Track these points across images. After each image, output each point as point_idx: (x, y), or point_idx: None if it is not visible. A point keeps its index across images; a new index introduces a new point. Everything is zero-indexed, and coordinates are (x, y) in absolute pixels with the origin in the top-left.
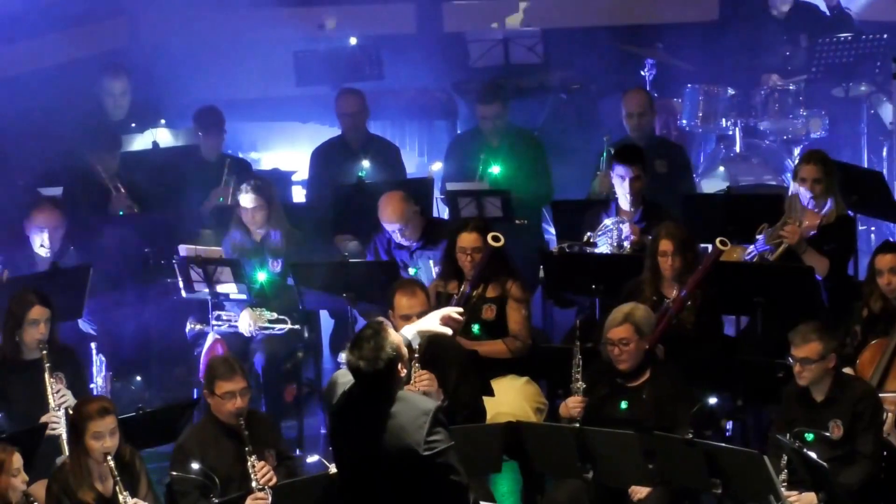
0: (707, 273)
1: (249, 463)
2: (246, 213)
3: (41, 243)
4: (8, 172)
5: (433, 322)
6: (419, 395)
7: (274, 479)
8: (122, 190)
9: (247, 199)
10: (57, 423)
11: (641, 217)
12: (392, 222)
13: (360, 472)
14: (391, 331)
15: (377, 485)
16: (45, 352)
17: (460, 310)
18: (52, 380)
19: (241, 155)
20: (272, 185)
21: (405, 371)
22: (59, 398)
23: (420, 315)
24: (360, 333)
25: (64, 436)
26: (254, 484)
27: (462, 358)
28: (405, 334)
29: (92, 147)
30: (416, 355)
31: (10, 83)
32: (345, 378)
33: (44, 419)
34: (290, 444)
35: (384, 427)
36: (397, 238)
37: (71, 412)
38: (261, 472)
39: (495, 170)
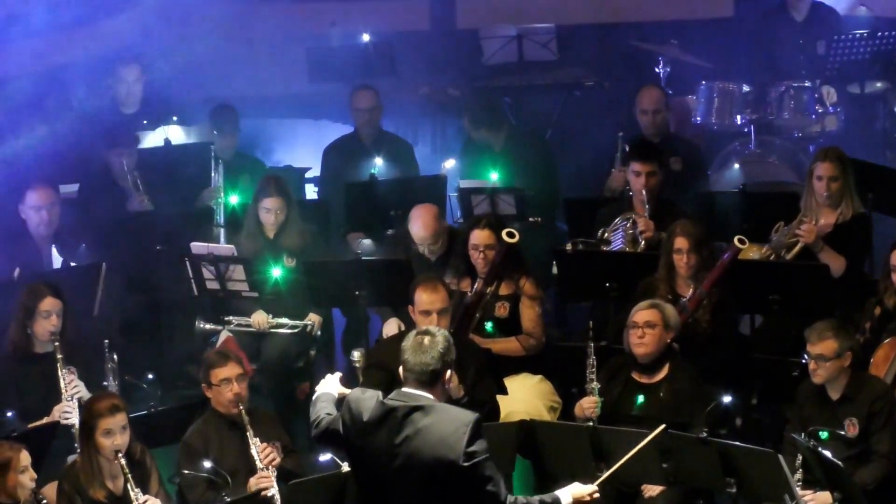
0: (724, 272)
1: (252, 444)
2: (268, 214)
3: (38, 223)
4: (23, 170)
5: (336, 385)
6: (456, 406)
7: (278, 459)
8: (140, 188)
9: (270, 202)
10: (69, 413)
11: (656, 214)
12: (421, 236)
13: (392, 484)
14: (447, 333)
15: (409, 497)
16: (57, 343)
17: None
18: (64, 371)
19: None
20: (286, 182)
21: (452, 382)
22: (71, 389)
23: (441, 311)
24: (420, 328)
25: (77, 426)
26: (258, 464)
27: (479, 357)
28: (330, 391)
29: (109, 145)
30: None
31: (24, 80)
32: (366, 394)
33: (56, 409)
34: (303, 443)
35: (423, 437)
36: (422, 250)
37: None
38: (263, 452)
39: (493, 176)
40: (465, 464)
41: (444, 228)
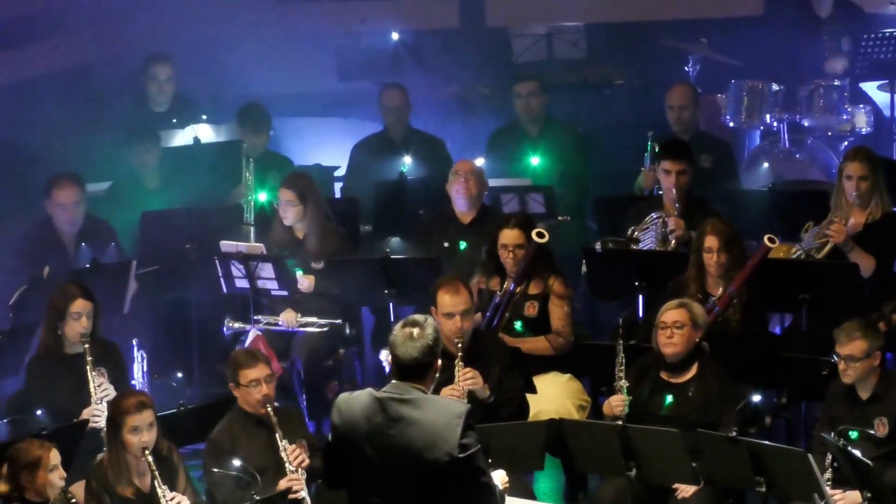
0: (754, 270)
1: (281, 446)
2: (280, 208)
3: (64, 221)
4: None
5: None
6: (447, 398)
7: (307, 461)
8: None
9: (280, 194)
10: (99, 416)
11: (686, 212)
12: (467, 169)
13: (384, 477)
14: (435, 323)
15: (402, 489)
16: (87, 345)
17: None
18: (94, 373)
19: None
20: (310, 180)
21: (437, 374)
22: (101, 392)
23: (463, 313)
24: (407, 320)
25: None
26: (287, 466)
27: (505, 355)
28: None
29: (132, 143)
30: (460, 354)
31: (50, 80)
32: (355, 393)
33: (85, 412)
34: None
35: (416, 429)
36: (459, 193)
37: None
38: (293, 454)
39: (535, 161)
40: (461, 455)
41: (484, 184)
